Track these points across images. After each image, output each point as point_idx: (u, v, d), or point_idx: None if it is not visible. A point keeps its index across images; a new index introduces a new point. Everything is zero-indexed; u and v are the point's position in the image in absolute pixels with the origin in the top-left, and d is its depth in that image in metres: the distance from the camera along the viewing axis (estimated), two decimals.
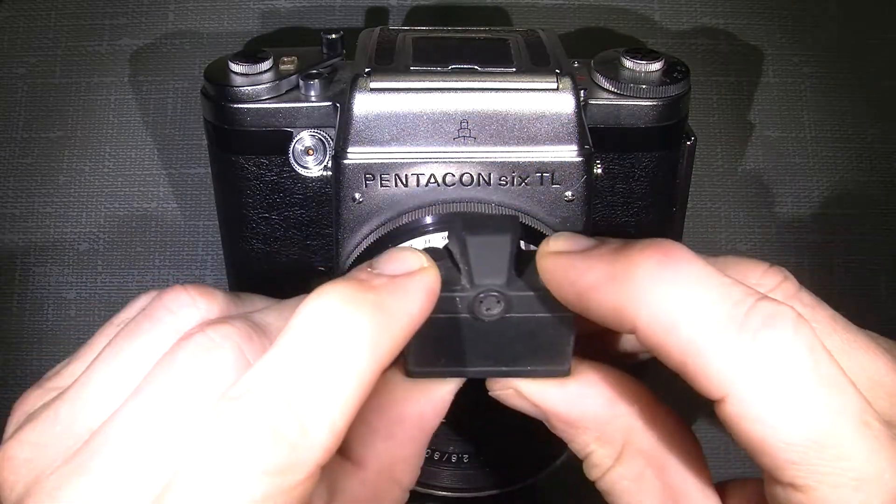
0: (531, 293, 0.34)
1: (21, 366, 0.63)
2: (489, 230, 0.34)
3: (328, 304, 0.31)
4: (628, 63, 0.52)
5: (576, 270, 0.33)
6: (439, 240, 0.47)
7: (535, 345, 0.35)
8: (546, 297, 0.34)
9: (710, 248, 0.66)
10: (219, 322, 0.35)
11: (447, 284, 0.34)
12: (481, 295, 0.34)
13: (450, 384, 0.37)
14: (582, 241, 0.35)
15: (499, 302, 0.34)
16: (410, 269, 0.33)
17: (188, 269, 0.65)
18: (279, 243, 0.55)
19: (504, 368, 0.36)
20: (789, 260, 0.65)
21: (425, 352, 0.35)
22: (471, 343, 0.35)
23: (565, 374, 0.36)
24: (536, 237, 0.48)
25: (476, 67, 0.48)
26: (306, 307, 0.31)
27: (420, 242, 0.47)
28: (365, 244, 0.49)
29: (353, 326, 0.31)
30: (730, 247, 0.66)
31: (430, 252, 0.34)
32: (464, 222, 0.35)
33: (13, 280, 0.64)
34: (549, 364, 0.35)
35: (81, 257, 0.65)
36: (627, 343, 0.40)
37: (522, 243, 0.45)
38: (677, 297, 0.31)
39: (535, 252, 0.35)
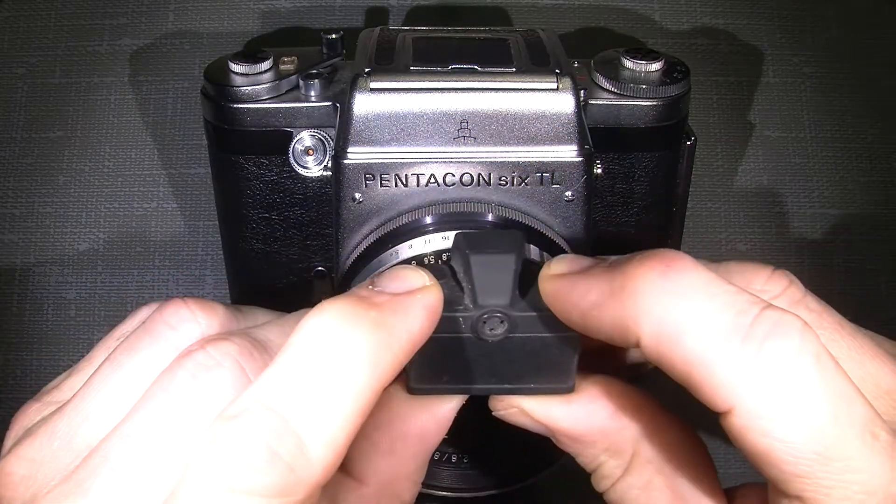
0: (535, 313, 0.34)
1: (21, 366, 0.63)
2: (493, 249, 0.34)
3: (328, 321, 0.30)
4: (628, 63, 0.52)
5: (577, 291, 0.32)
6: (439, 240, 0.47)
7: (538, 363, 0.35)
8: (550, 317, 0.33)
9: (710, 248, 0.66)
10: (219, 339, 0.35)
11: (450, 304, 0.33)
12: (484, 315, 0.33)
13: (452, 401, 0.37)
14: (582, 262, 0.34)
15: (502, 322, 0.34)
16: (412, 288, 0.33)
17: (188, 269, 0.65)
18: (279, 243, 0.55)
19: (507, 386, 0.36)
20: (789, 260, 0.65)
21: (427, 369, 0.35)
22: (474, 361, 0.35)
23: (569, 391, 0.36)
24: (545, 244, 0.48)
25: (476, 67, 0.48)
26: (306, 324, 0.31)
27: (420, 243, 0.47)
28: (365, 244, 0.49)
29: (352, 344, 0.30)
30: (730, 247, 0.66)
31: (434, 270, 0.34)
32: (468, 240, 0.34)
33: (13, 280, 0.64)
34: (553, 382, 0.35)
35: (81, 257, 0.65)
36: (633, 355, 0.40)
37: (535, 248, 0.45)
38: (680, 309, 0.30)
39: (539, 267, 0.35)
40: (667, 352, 0.30)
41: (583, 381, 0.36)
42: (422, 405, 0.36)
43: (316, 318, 0.31)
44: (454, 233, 0.47)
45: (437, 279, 0.34)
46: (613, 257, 0.34)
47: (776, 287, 0.36)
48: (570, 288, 0.33)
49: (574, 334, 0.34)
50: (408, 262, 0.46)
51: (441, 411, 0.36)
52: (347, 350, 0.30)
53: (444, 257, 0.46)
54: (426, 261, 0.46)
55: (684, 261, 0.31)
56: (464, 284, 0.34)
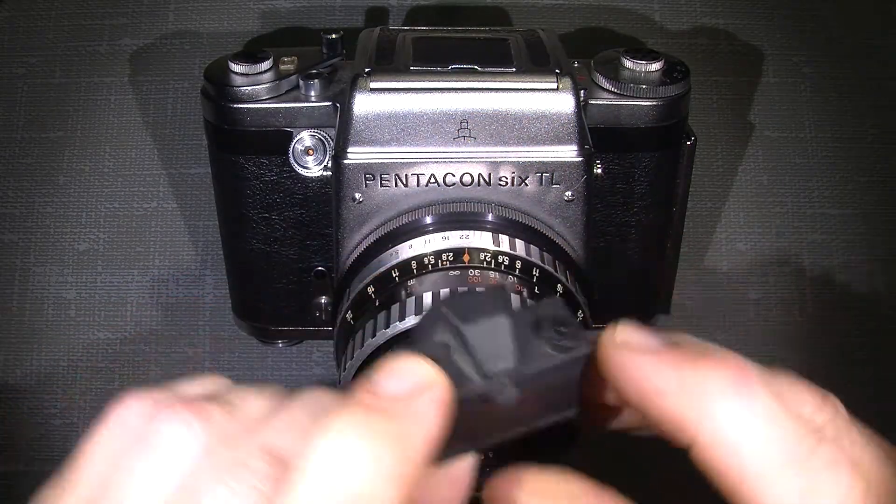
0: (542, 365, 0.33)
1: (21, 366, 0.63)
2: (483, 314, 0.33)
3: (343, 443, 0.29)
4: (628, 63, 0.52)
5: (643, 372, 0.32)
6: (439, 240, 0.47)
7: (546, 402, 0.35)
8: (557, 362, 0.33)
9: (710, 248, 0.66)
10: (234, 467, 0.32)
11: (457, 381, 0.32)
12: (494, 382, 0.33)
13: (470, 458, 0.36)
14: (649, 339, 0.34)
15: (512, 383, 0.33)
16: (419, 384, 0.31)
17: (188, 269, 0.65)
18: (279, 243, 0.55)
19: (519, 430, 0.35)
20: (789, 260, 0.65)
21: (443, 441, 0.35)
22: (485, 420, 0.34)
23: (575, 416, 0.35)
24: (545, 245, 0.48)
25: (476, 67, 0.49)
26: (319, 448, 0.29)
27: (420, 243, 0.47)
28: (365, 244, 0.49)
29: (373, 467, 0.29)
30: (730, 247, 0.66)
31: (426, 349, 0.32)
32: (452, 311, 0.34)
33: (13, 280, 0.64)
34: (560, 412, 0.35)
35: (81, 257, 0.65)
36: (632, 420, 0.40)
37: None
38: (746, 423, 0.31)
39: (531, 318, 0.34)
40: (720, 461, 0.31)
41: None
42: (441, 474, 0.34)
43: (329, 439, 0.29)
44: (454, 233, 0.47)
45: (436, 359, 0.33)
46: (680, 340, 0.34)
47: (825, 415, 0.36)
48: (637, 366, 0.33)
49: (579, 365, 0.33)
50: (407, 262, 0.46)
51: (462, 472, 0.35)
52: (369, 475, 0.29)
53: (438, 259, 0.45)
54: (426, 261, 0.46)
55: (754, 373, 0.32)
56: (464, 358, 0.33)
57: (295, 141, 0.52)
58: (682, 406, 0.31)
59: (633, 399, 0.33)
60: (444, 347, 0.33)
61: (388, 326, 0.43)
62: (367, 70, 0.48)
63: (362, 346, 0.43)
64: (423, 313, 0.34)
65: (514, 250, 0.46)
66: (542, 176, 0.48)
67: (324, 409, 0.32)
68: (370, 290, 0.46)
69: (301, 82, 0.51)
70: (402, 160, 0.48)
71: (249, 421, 0.35)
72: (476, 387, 0.32)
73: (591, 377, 0.34)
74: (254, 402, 0.36)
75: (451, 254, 0.46)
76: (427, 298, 0.43)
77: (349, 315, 0.46)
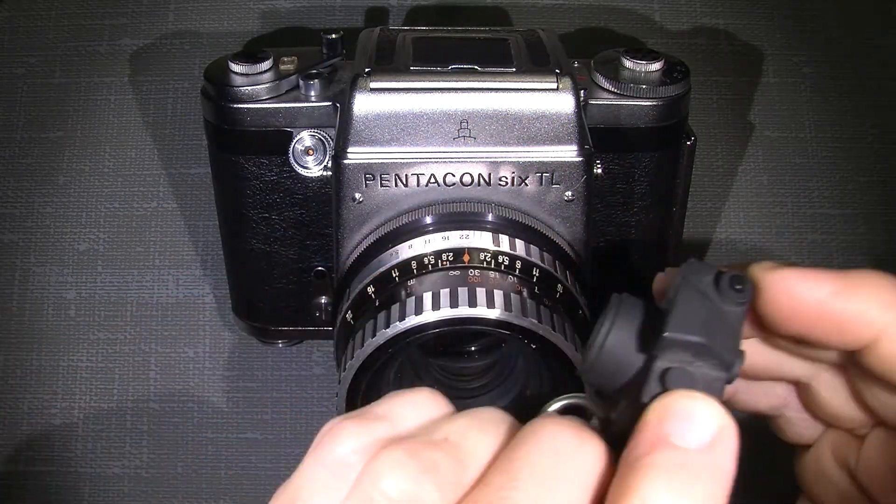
0: (741, 320, 0.33)
1: (21, 366, 0.63)
2: (698, 319, 0.33)
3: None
4: (628, 63, 0.52)
5: (805, 285, 0.32)
6: (439, 240, 0.47)
7: None
8: (745, 313, 0.34)
9: (710, 248, 0.66)
10: None
11: (709, 389, 0.30)
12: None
13: None
14: (800, 266, 0.34)
15: (740, 357, 0.34)
16: (717, 432, 0.28)
17: (188, 269, 0.65)
18: (279, 243, 0.55)
19: None
20: (789, 260, 0.65)
21: None
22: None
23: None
24: (546, 245, 0.48)
25: (476, 67, 0.49)
26: None
27: (420, 243, 0.47)
28: (365, 244, 0.49)
29: None
30: (730, 247, 0.66)
31: (685, 383, 0.30)
32: (678, 330, 0.33)
33: (13, 280, 0.64)
34: None
35: (81, 257, 0.65)
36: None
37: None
38: None
39: (713, 290, 0.34)
40: None
41: None
42: None
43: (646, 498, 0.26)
44: (454, 233, 0.47)
45: (690, 384, 0.30)
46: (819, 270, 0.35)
47: None
48: (797, 281, 0.32)
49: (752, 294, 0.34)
50: (407, 262, 0.46)
51: None
52: None
53: (438, 259, 0.45)
54: (426, 261, 0.46)
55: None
56: (702, 365, 0.33)
57: (295, 141, 0.52)
58: (854, 307, 0.32)
59: (792, 316, 0.33)
60: (685, 367, 0.32)
61: (388, 326, 0.43)
62: (367, 70, 0.48)
63: (362, 345, 0.43)
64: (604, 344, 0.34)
65: (514, 250, 0.46)
66: (542, 176, 0.48)
67: (567, 454, 0.28)
68: (370, 290, 0.46)
69: (301, 82, 0.51)
70: (402, 160, 0.48)
71: (478, 467, 0.30)
72: (726, 380, 0.32)
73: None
74: (477, 441, 0.31)
75: (451, 254, 0.46)
76: (427, 298, 0.43)
77: (349, 315, 0.46)
